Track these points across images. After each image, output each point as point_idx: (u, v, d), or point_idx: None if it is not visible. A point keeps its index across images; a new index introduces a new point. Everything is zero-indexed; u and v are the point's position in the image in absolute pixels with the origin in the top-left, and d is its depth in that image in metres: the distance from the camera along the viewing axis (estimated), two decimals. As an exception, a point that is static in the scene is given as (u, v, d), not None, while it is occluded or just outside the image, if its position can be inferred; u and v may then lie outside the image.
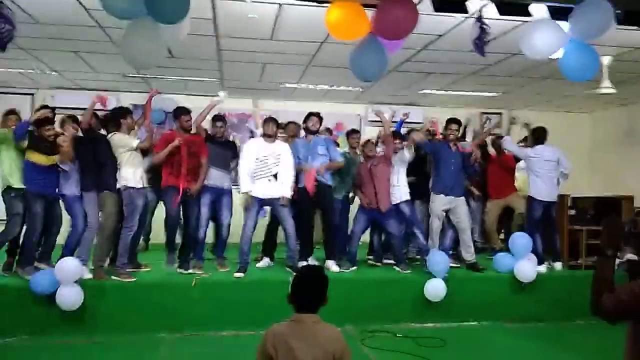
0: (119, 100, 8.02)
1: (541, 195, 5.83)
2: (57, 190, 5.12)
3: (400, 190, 5.76)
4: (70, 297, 4.67)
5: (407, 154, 5.71)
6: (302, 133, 5.96)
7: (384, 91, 7.94)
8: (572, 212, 6.83)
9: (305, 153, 5.59)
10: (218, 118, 5.71)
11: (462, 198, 5.78)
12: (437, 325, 5.38)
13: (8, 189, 4.98)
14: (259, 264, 5.82)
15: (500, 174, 6.58)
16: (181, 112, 5.40)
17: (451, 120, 5.82)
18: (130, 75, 7.06)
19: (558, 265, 6.05)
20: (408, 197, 5.78)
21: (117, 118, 5.18)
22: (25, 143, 4.98)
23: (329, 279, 2.31)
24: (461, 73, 6.72)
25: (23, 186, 4.97)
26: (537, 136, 6.00)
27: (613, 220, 2.17)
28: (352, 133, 6.33)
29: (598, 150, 9.61)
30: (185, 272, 5.33)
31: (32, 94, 8.18)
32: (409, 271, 5.75)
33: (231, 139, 6.46)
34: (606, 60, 5.47)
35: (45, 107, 5.48)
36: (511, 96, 8.20)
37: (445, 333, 5.14)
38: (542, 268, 5.86)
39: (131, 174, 5.06)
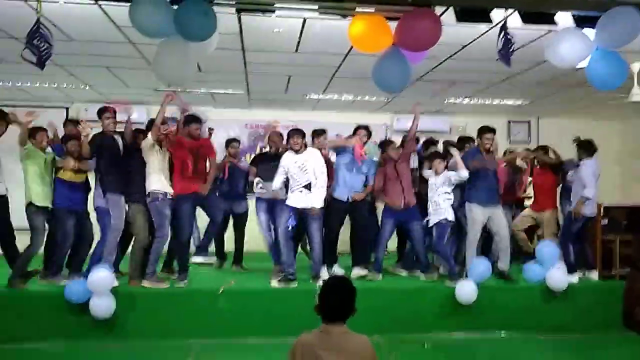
0: (149, 113, 8.24)
1: (589, 210, 5.76)
2: (85, 204, 5.31)
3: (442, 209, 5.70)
4: (103, 306, 4.82)
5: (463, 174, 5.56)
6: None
7: (410, 100, 7.87)
8: (605, 221, 6.69)
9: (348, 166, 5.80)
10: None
11: (500, 207, 5.74)
12: (466, 335, 5.31)
13: (30, 204, 5.12)
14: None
15: (542, 187, 6.53)
16: (192, 120, 5.44)
17: (485, 129, 5.76)
18: (160, 89, 7.25)
19: (593, 275, 5.92)
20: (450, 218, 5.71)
21: (147, 130, 5.37)
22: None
23: (356, 289, 2.33)
24: (487, 82, 6.67)
25: (44, 204, 5.14)
26: (589, 149, 5.92)
27: None
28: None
29: (629, 159, 9.37)
30: None
31: (67, 108, 8.45)
32: (435, 277, 5.73)
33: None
34: (637, 67, 5.36)
35: (70, 121, 5.71)
36: (538, 104, 8.09)
37: (474, 343, 5.10)
38: (575, 278, 5.74)
39: (159, 179, 5.21)
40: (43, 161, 5.23)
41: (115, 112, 5.37)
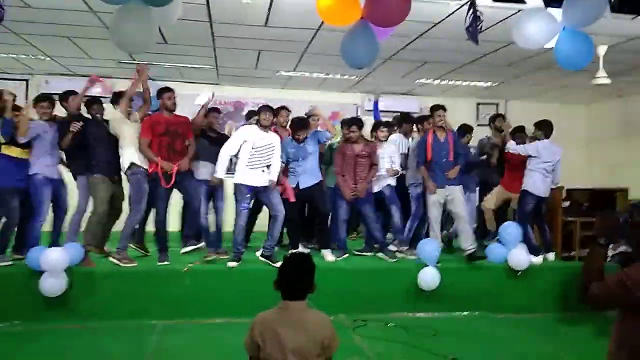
0: (114, 87, 7.98)
1: (537, 190, 5.83)
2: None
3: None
4: (54, 285, 4.68)
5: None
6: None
7: (380, 80, 7.91)
8: (567, 203, 6.84)
9: (294, 154, 5.61)
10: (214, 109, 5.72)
11: (459, 187, 5.73)
12: (429, 315, 5.37)
13: None
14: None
15: (512, 169, 6.38)
16: (163, 90, 5.22)
17: (436, 107, 5.70)
18: (125, 61, 7.01)
19: (550, 256, 6.06)
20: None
21: (115, 100, 5.18)
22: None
23: (316, 267, 2.29)
24: (457, 62, 6.70)
25: None
26: (545, 131, 5.91)
27: (608, 210, 2.25)
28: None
29: (594, 142, 9.61)
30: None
31: (27, 80, 8.15)
32: (394, 259, 5.75)
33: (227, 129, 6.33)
34: (602, 50, 5.43)
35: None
36: (507, 86, 8.19)
37: (437, 323, 5.15)
38: (538, 259, 5.86)
39: (135, 151, 5.03)
40: None
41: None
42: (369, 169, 5.70)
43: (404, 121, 6.53)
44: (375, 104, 6.64)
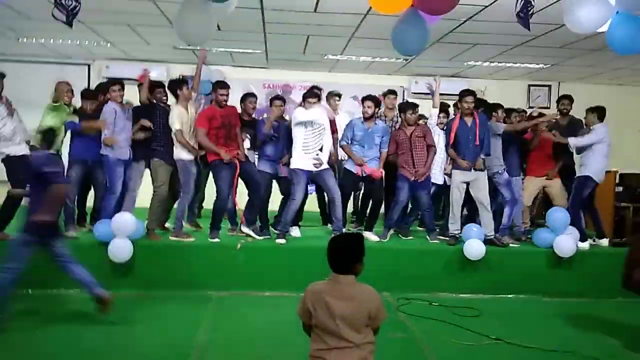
0: (169, 71, 8.35)
1: (600, 175, 5.78)
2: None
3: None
4: (122, 250, 5.06)
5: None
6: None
7: (428, 63, 7.88)
8: (620, 188, 6.68)
9: (361, 138, 5.76)
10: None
11: (484, 172, 5.72)
12: (473, 296, 5.46)
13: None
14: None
15: (543, 154, 6.26)
16: (218, 85, 5.52)
17: (466, 92, 5.70)
18: (180, 47, 7.31)
19: (604, 242, 5.98)
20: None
21: (174, 89, 5.44)
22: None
23: (364, 244, 2.44)
24: (507, 44, 6.59)
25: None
26: (600, 116, 5.89)
27: None
28: (389, 94, 6.37)
29: (651, 127, 9.22)
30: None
31: (89, 65, 8.58)
32: (437, 241, 5.88)
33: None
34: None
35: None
36: (560, 68, 7.97)
37: (481, 304, 5.23)
38: (586, 245, 5.81)
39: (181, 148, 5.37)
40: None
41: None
42: (427, 152, 5.80)
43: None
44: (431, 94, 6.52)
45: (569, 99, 6.26)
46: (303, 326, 2.48)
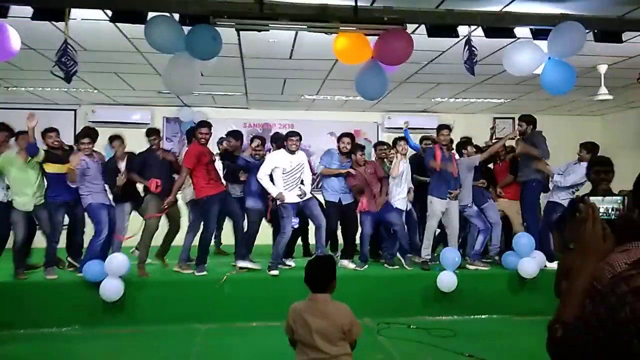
0: (153, 113, 8.72)
1: (565, 200, 6.18)
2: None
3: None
4: (112, 289, 5.28)
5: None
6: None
7: (399, 100, 8.38)
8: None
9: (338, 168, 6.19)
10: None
11: (455, 201, 6.16)
12: (449, 318, 5.75)
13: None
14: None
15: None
16: (202, 124, 5.84)
17: (442, 127, 6.22)
18: (165, 92, 7.70)
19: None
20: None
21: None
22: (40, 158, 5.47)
23: (335, 264, 2.80)
24: (468, 83, 7.12)
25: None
26: (589, 151, 6.19)
27: (577, 218, 2.54)
28: (379, 145, 6.78)
29: (609, 153, 9.67)
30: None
31: (75, 110, 8.90)
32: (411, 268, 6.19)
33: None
34: (602, 69, 5.81)
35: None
36: (520, 102, 8.54)
37: (456, 325, 5.50)
38: (554, 265, 6.16)
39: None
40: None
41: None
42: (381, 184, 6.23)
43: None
44: (406, 131, 7.02)
45: (523, 119, 6.52)
46: (289, 341, 2.80)
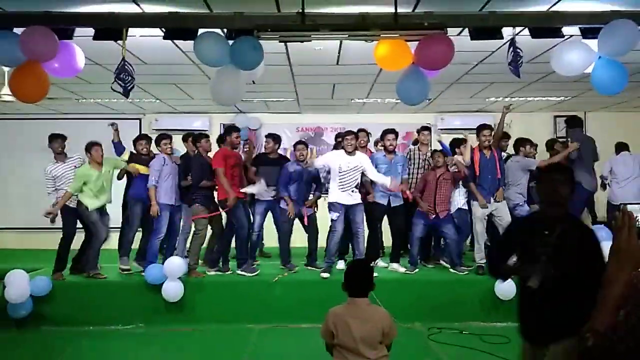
0: (211, 120, 9.11)
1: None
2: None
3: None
4: (173, 290, 5.60)
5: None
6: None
7: (452, 101, 8.27)
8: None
9: (386, 170, 6.11)
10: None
11: (504, 202, 5.99)
12: (504, 325, 5.53)
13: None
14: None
15: None
16: (231, 129, 6.08)
17: (482, 127, 6.07)
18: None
19: None
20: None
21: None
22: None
23: (374, 270, 2.87)
24: (523, 82, 6.90)
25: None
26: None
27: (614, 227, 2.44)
28: (423, 130, 6.69)
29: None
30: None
31: (140, 119, 9.46)
32: (466, 272, 6.08)
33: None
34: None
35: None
36: (583, 99, 8.17)
37: (511, 332, 5.32)
38: None
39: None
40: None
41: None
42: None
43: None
44: (442, 143, 6.90)
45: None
46: (326, 345, 2.89)
